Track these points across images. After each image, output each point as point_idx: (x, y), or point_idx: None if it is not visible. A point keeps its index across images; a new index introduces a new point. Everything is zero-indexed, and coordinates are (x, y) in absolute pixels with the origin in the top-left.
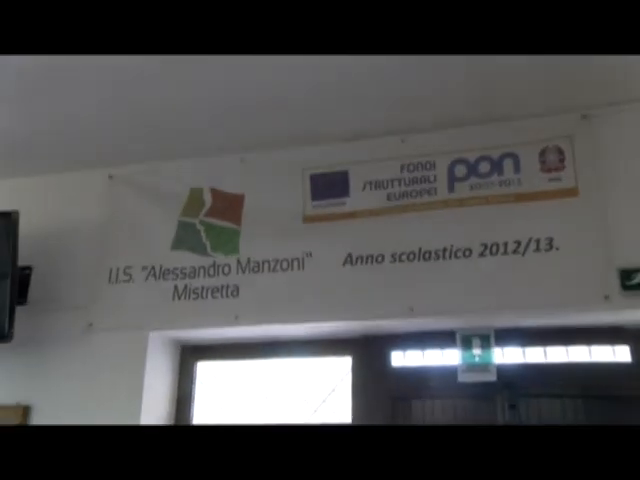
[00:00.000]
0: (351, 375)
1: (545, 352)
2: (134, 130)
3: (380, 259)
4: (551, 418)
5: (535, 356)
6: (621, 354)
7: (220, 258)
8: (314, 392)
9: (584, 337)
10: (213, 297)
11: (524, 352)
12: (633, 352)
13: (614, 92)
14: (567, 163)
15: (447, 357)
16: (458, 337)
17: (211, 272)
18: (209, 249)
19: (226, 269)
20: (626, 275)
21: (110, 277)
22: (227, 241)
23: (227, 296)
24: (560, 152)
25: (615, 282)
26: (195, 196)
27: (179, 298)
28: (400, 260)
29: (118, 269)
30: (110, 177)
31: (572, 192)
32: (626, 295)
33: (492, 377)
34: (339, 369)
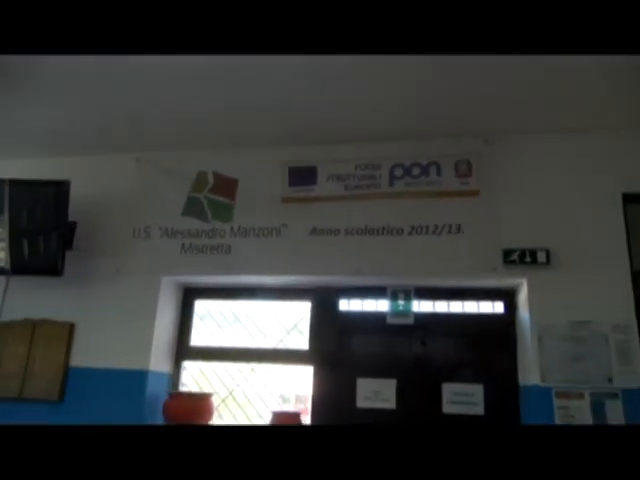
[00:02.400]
0: (309, 315)
1: (448, 305)
2: (157, 123)
3: (337, 232)
4: (450, 352)
5: (441, 307)
6: (498, 307)
7: (218, 225)
8: (282, 326)
9: (475, 295)
10: (211, 253)
11: (434, 304)
12: (506, 306)
13: (510, 124)
14: (473, 172)
15: (380, 306)
16: (388, 291)
17: (211, 235)
18: (210, 217)
19: (222, 233)
20: (507, 253)
21: (134, 234)
22: (224, 212)
23: (222, 253)
24: (469, 164)
25: (499, 258)
26: (201, 177)
27: (185, 252)
28: (351, 234)
29: (140, 228)
30: (137, 159)
31: (475, 193)
32: (506, 267)
33: (410, 321)
34: (301, 310)
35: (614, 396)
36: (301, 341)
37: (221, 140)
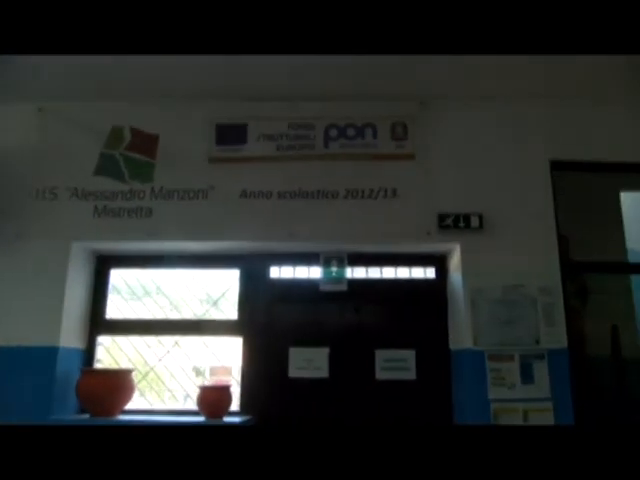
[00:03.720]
0: (238, 284)
1: (381, 271)
2: (66, 68)
3: (268, 195)
4: (382, 318)
5: (374, 274)
6: (430, 273)
7: (136, 185)
8: (208, 296)
9: (407, 261)
10: (129, 217)
11: (367, 271)
12: (437, 271)
13: (446, 89)
14: (409, 135)
15: (312, 273)
16: (321, 258)
17: (128, 196)
18: (127, 177)
19: (141, 195)
20: (442, 218)
21: (37, 194)
22: (143, 172)
23: (141, 217)
24: (405, 127)
25: (434, 223)
26: (116, 132)
27: (99, 216)
28: (284, 197)
29: (45, 188)
30: (40, 110)
31: (411, 156)
32: (441, 232)
33: (344, 288)
34: (228, 279)
35: (541, 357)
36: (229, 311)
37: (140, 92)
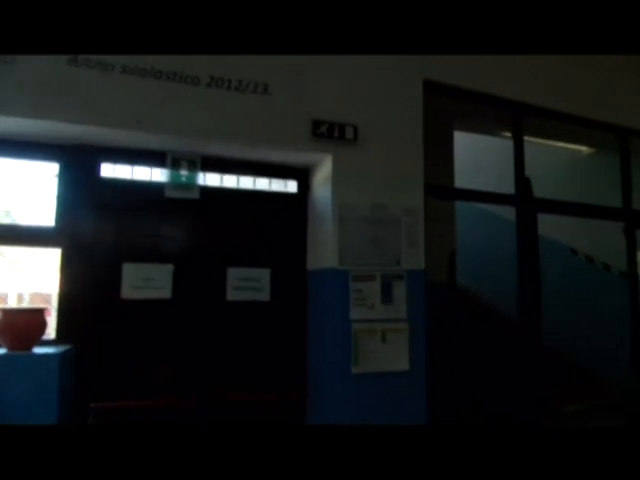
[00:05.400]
0: (57, 181)
1: (238, 180)
2: None
3: (110, 68)
4: (237, 232)
5: (230, 182)
6: (291, 186)
7: None
8: (18, 194)
9: (268, 171)
10: None
11: (222, 178)
12: (299, 186)
13: None
14: None
15: (156, 175)
16: (169, 158)
17: None
18: None
19: None
20: (316, 125)
21: None
22: None
23: None
24: None
25: (308, 129)
26: None
27: None
28: (130, 73)
29: None
30: None
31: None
32: (314, 140)
33: (195, 195)
34: (44, 174)
35: (400, 277)
36: (45, 216)
37: None
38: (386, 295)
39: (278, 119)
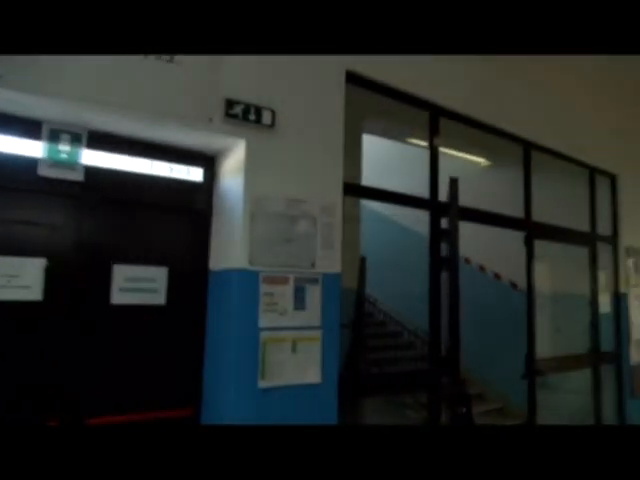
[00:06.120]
0: None
1: (132, 162)
2: None
3: None
4: (127, 223)
5: (122, 164)
6: (196, 174)
7: None
8: None
9: (169, 154)
10: None
11: (112, 158)
12: (205, 175)
13: None
14: None
15: (29, 148)
16: (45, 129)
17: None
18: None
19: None
20: (230, 104)
21: None
22: None
23: None
24: None
25: (220, 108)
26: None
27: None
28: None
29: None
30: None
31: None
32: (226, 122)
33: (79, 177)
34: None
35: (314, 281)
36: None
37: None
38: (299, 300)
39: (185, 93)
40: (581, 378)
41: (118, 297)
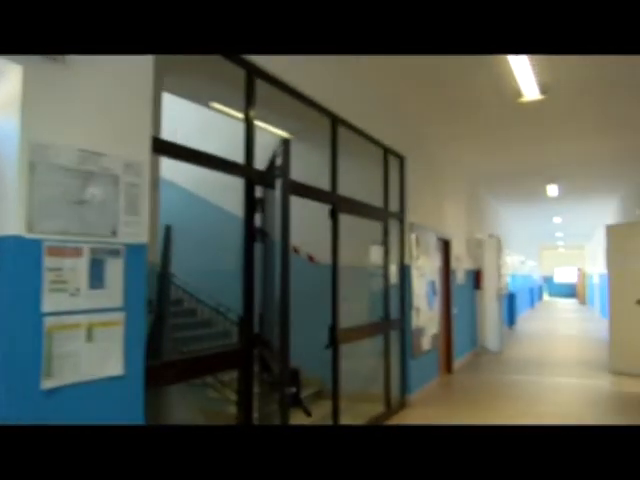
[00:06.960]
0: None
1: None
2: None
3: None
4: None
5: None
6: None
7: None
8: None
9: None
10: None
11: None
12: None
13: None
14: None
15: None
16: None
17: None
18: None
19: None
20: None
21: None
22: None
23: None
24: None
25: None
26: None
27: None
28: None
29: None
30: None
31: None
32: None
33: None
34: None
35: (115, 253)
36: None
37: None
38: (96, 276)
39: None
40: (374, 344)
41: None
